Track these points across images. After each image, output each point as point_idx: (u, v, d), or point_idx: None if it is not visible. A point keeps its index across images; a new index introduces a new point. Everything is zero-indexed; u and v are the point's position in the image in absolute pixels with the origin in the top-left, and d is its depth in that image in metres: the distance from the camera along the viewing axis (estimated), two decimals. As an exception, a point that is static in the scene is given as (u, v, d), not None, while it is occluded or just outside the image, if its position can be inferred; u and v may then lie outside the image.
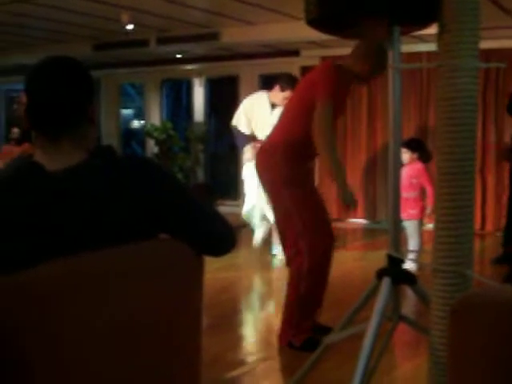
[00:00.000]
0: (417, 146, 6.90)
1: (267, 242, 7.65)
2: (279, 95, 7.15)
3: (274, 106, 7.24)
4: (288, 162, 4.27)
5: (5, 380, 1.51)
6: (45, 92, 1.89)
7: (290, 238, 4.37)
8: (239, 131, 7.32)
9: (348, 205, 4.30)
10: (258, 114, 7.26)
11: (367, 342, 2.71)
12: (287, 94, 6.88)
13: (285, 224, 4.40)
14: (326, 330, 4.47)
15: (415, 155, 6.79)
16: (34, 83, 1.91)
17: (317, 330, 4.41)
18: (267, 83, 7.94)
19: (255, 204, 7.40)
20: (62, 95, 1.89)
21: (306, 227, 4.26)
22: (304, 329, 4.36)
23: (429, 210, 6.67)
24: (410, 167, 6.74)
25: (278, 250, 7.31)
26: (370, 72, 4.34)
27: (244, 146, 7.31)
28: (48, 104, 1.89)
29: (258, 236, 7.62)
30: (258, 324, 5.23)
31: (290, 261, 4.45)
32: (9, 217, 1.76)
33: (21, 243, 1.75)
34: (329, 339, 3.17)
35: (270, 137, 4.51)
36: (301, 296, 4.33)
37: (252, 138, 7.26)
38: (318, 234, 4.29)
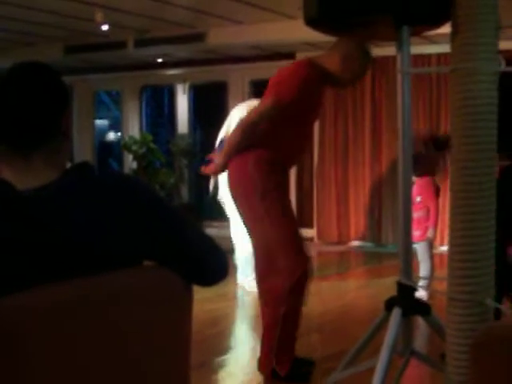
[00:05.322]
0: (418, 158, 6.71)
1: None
2: None
3: None
4: (261, 172, 4.28)
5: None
6: (13, 103, 1.88)
7: (265, 256, 4.38)
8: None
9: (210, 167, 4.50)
10: None
11: (376, 381, 2.70)
12: None
13: (260, 241, 4.41)
14: (308, 364, 4.48)
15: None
16: (0, 93, 1.90)
17: (298, 363, 4.41)
18: (259, 90, 7.91)
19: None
20: (33, 106, 1.88)
21: (285, 245, 4.27)
22: (287, 354, 4.35)
23: (430, 232, 6.57)
24: (416, 184, 6.67)
25: (242, 278, 7.33)
26: (352, 77, 4.35)
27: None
28: (17, 116, 1.88)
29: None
30: (249, 361, 5.21)
31: (261, 280, 4.45)
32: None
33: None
34: (332, 378, 3.16)
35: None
36: (282, 318, 4.33)
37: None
38: (297, 252, 4.31)
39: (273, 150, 4.29)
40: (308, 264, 4.36)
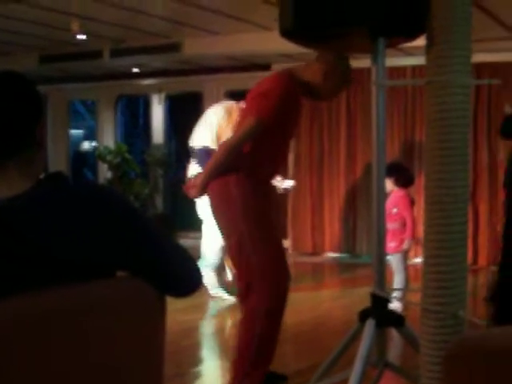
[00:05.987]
0: (392, 169, 6.68)
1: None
2: None
3: None
4: (243, 192, 4.20)
5: None
6: (-14, 112, 1.87)
7: (244, 273, 4.33)
8: (207, 150, 6.98)
9: (190, 188, 4.35)
10: (227, 128, 6.93)
11: (350, 393, 2.70)
12: None
13: (239, 257, 4.36)
14: (281, 379, 4.44)
15: (391, 180, 6.63)
16: (-27, 102, 1.89)
17: (271, 378, 4.36)
18: (235, 100, 7.81)
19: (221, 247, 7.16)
20: (7, 115, 1.87)
21: (265, 266, 4.20)
22: (257, 378, 4.29)
23: (406, 244, 6.58)
24: (392, 195, 6.67)
25: (223, 290, 7.32)
26: (333, 89, 4.32)
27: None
28: (-10, 125, 1.86)
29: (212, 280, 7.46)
30: (223, 374, 5.19)
31: (242, 297, 4.41)
32: None
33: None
34: (306, 390, 3.15)
35: None
36: (256, 338, 4.28)
37: None
38: (277, 273, 4.24)
39: (254, 167, 4.22)
40: (287, 286, 4.31)
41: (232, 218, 4.24)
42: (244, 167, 4.20)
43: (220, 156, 4.20)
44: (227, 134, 6.87)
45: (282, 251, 4.40)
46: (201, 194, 4.32)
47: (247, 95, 4.33)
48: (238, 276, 4.43)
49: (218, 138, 6.77)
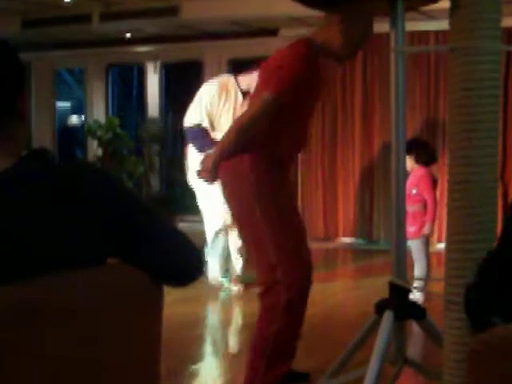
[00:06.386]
0: (411, 145, 6.64)
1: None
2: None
3: (245, 95, 7.09)
4: (257, 172, 4.17)
5: None
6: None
7: (263, 264, 4.32)
8: (198, 129, 7.01)
9: (203, 173, 4.28)
10: (224, 106, 7.00)
11: (365, 392, 2.71)
12: None
13: (256, 247, 4.34)
14: (303, 378, 4.45)
15: (412, 157, 6.61)
16: None
17: (291, 377, 4.37)
18: (238, 70, 7.80)
19: (221, 228, 7.23)
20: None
21: (282, 252, 4.19)
22: (274, 377, 4.30)
23: (427, 228, 6.58)
24: (412, 174, 6.63)
25: (226, 280, 7.33)
26: (351, 48, 4.22)
27: (207, 148, 7.07)
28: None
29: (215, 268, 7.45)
30: (224, 369, 5.21)
31: (263, 291, 4.39)
32: None
33: None
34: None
35: None
36: (275, 333, 4.28)
37: (210, 140, 6.90)
38: (295, 262, 4.22)
39: (270, 146, 4.17)
40: (309, 277, 4.28)
41: (246, 204, 4.21)
42: (259, 147, 4.16)
43: (232, 135, 4.13)
44: (223, 112, 7.00)
45: (302, 239, 4.36)
46: (214, 177, 4.27)
47: (261, 66, 4.29)
48: (256, 267, 4.42)
49: (212, 117, 6.94)
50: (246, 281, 7.14)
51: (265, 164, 4.16)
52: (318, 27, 4.22)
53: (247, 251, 4.52)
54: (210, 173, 4.21)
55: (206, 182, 4.36)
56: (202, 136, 7.00)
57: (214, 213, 7.09)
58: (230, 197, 4.34)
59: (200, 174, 4.31)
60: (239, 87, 7.05)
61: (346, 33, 4.08)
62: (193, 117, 7.03)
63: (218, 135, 6.81)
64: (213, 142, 6.75)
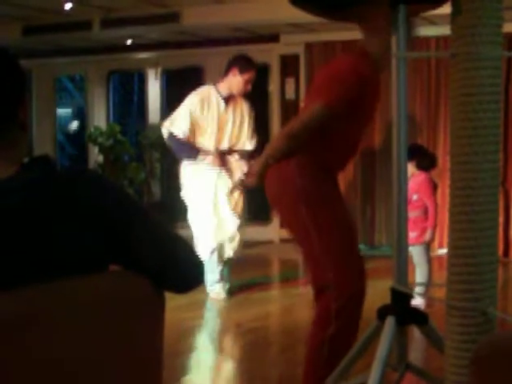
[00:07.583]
0: (412, 151, 6.61)
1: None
2: (237, 80, 7.11)
3: (228, 100, 7.19)
4: (306, 178, 4.08)
5: None
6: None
7: (315, 269, 4.26)
8: (181, 139, 7.10)
9: (249, 177, 4.26)
10: (207, 116, 7.12)
11: (367, 398, 2.71)
12: (248, 76, 6.93)
13: (306, 251, 4.28)
14: None
15: (412, 163, 6.61)
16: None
17: None
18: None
19: (215, 247, 7.15)
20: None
21: (333, 259, 4.13)
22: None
23: (429, 233, 6.58)
24: (412, 180, 6.62)
25: (215, 287, 7.24)
26: (387, 56, 4.08)
27: (193, 157, 7.08)
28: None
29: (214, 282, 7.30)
30: (232, 380, 5.21)
31: (315, 296, 4.33)
32: None
33: None
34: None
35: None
36: (328, 340, 4.21)
37: (197, 148, 7.07)
38: (346, 268, 4.18)
39: (320, 152, 4.11)
40: (361, 284, 4.23)
41: (292, 205, 4.15)
42: (308, 152, 4.09)
43: (282, 140, 4.09)
44: (207, 122, 7.05)
45: (354, 245, 4.34)
46: (258, 183, 4.24)
47: (316, 74, 4.22)
48: (310, 274, 4.37)
49: (194, 127, 7.08)
50: (233, 288, 7.13)
51: (313, 171, 4.09)
52: (363, 37, 4.04)
53: (301, 256, 4.44)
54: (254, 177, 4.18)
55: (251, 187, 4.37)
56: (187, 144, 7.12)
57: (206, 232, 7.15)
58: (278, 206, 4.28)
59: (246, 177, 4.29)
60: (220, 96, 7.19)
61: (382, 40, 3.93)
62: (176, 126, 7.13)
63: (204, 143, 6.94)
64: (199, 149, 6.87)
